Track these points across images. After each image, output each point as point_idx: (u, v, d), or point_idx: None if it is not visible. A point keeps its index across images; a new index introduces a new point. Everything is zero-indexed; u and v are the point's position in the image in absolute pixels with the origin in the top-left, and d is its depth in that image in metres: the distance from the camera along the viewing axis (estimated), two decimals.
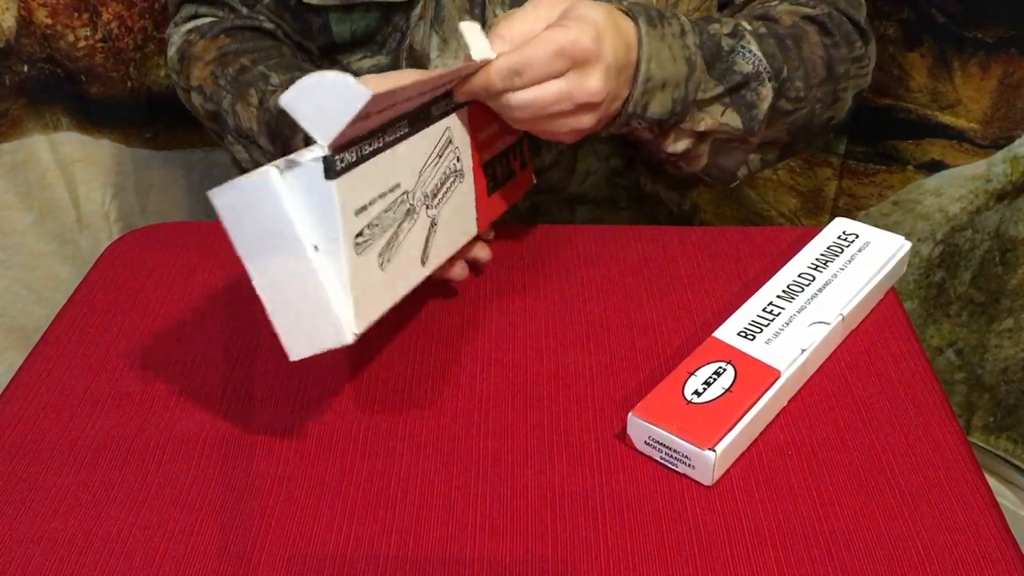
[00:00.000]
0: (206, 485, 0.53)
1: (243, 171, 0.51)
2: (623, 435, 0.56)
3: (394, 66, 0.81)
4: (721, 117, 0.69)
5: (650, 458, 0.55)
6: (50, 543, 0.50)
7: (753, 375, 0.56)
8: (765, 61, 0.69)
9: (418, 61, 0.80)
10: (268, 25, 0.85)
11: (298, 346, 0.50)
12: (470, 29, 0.57)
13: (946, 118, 0.91)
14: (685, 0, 0.78)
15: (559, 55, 0.56)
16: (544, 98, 0.58)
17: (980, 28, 0.86)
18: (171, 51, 0.87)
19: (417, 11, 0.78)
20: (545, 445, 0.56)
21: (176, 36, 0.87)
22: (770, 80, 0.70)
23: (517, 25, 0.58)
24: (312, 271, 0.48)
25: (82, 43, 0.98)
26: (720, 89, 0.68)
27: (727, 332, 0.60)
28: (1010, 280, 0.91)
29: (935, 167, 0.94)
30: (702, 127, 0.69)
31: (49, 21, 0.96)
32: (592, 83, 0.58)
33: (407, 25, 0.79)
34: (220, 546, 0.50)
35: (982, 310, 0.94)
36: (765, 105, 0.70)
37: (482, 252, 0.68)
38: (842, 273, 0.64)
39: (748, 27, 0.71)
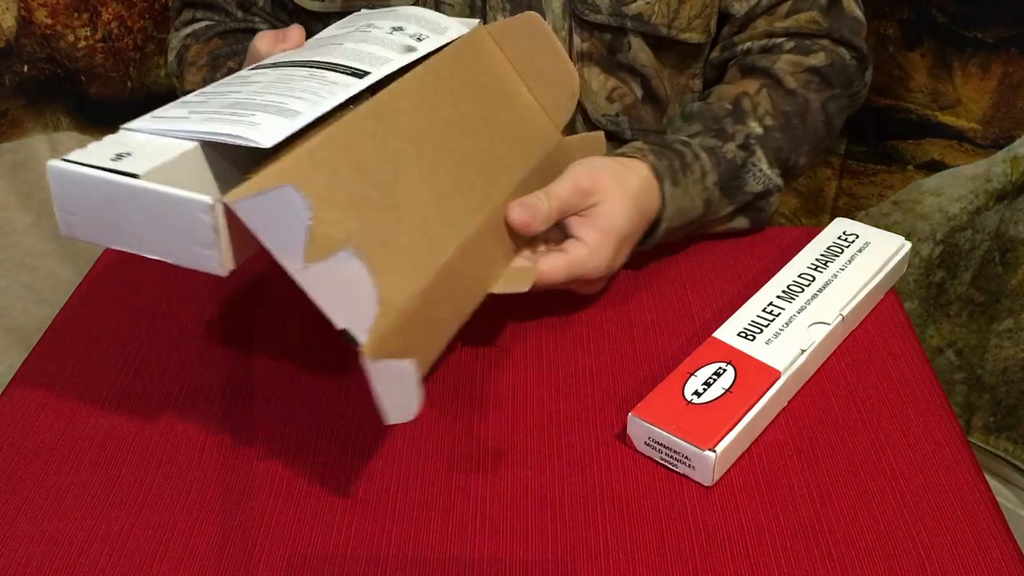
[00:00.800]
0: (206, 485, 0.53)
1: None
2: (623, 435, 0.56)
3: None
4: (732, 223, 0.75)
5: (650, 458, 0.55)
6: (50, 543, 0.50)
7: (753, 375, 0.56)
8: (773, 177, 0.74)
9: None
10: (263, 27, 0.85)
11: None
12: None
13: (946, 118, 0.91)
14: (687, 6, 0.78)
15: (570, 275, 0.62)
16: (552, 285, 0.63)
17: (980, 28, 0.86)
18: (171, 56, 0.87)
19: None
20: (545, 445, 0.56)
21: (175, 41, 0.87)
22: (777, 191, 0.75)
23: (552, 201, 0.62)
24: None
25: (82, 43, 0.98)
26: (732, 208, 0.73)
27: (727, 332, 0.60)
28: (1010, 280, 0.91)
29: (935, 167, 0.94)
30: (712, 231, 0.75)
31: (49, 21, 0.96)
32: (596, 287, 0.67)
33: None
34: (220, 546, 0.50)
35: (982, 310, 0.94)
36: (773, 209, 0.76)
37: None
38: (842, 273, 0.64)
39: (757, 131, 0.74)
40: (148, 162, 0.48)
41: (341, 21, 0.68)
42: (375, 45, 0.61)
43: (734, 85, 0.78)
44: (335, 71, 0.57)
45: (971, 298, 0.95)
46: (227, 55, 0.82)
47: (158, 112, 0.54)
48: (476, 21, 0.67)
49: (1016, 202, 0.88)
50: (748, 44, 0.80)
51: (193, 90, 0.82)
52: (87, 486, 0.54)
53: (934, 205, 0.94)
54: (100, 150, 0.49)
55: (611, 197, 0.63)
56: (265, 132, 0.49)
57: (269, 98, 0.53)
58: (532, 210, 0.60)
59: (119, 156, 0.49)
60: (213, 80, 0.80)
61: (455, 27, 0.66)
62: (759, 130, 0.74)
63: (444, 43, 0.63)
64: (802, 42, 0.79)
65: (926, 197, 0.98)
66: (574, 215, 0.63)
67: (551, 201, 0.61)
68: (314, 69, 0.58)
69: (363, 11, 0.70)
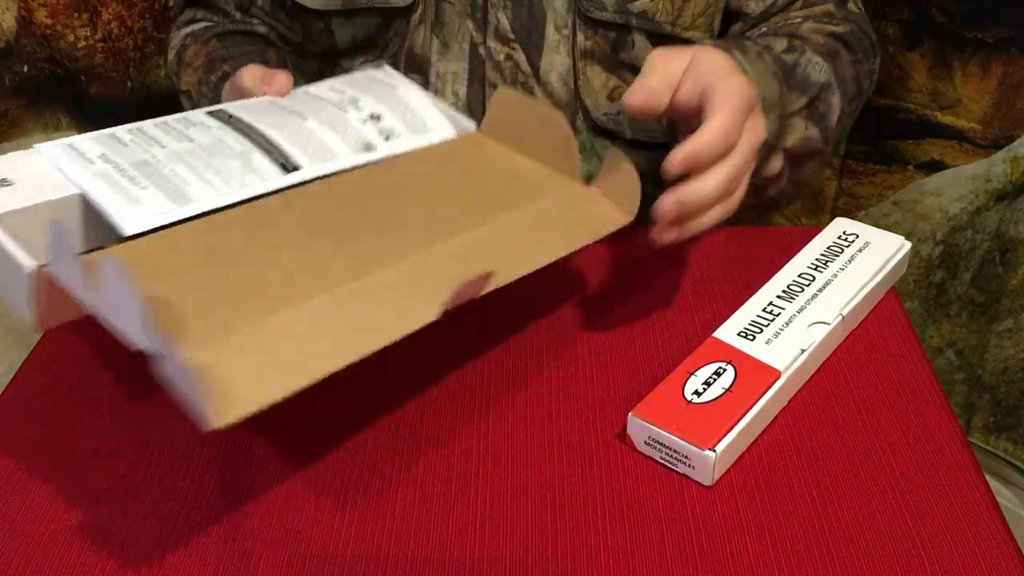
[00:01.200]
0: (206, 485, 0.53)
1: None
2: (623, 435, 0.56)
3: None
4: (805, 130, 0.71)
5: (650, 458, 0.55)
6: (50, 543, 0.50)
7: (753, 375, 0.56)
8: (828, 69, 0.71)
9: (418, 65, 0.80)
10: (261, 29, 0.86)
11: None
12: None
13: (946, 118, 0.91)
14: (691, 5, 0.78)
15: (728, 135, 0.55)
16: (738, 164, 0.57)
17: (980, 28, 0.86)
18: (170, 55, 0.88)
19: (416, 15, 0.78)
20: (545, 445, 0.56)
21: (175, 40, 0.88)
22: (837, 88, 0.71)
23: (664, 65, 0.58)
24: None
25: (82, 43, 0.98)
26: (804, 100, 0.70)
27: (727, 332, 0.60)
28: (1010, 280, 0.91)
29: (935, 167, 0.94)
30: (790, 142, 0.70)
31: (49, 21, 0.96)
32: (760, 127, 0.59)
33: (407, 29, 0.79)
34: (220, 546, 0.50)
35: (982, 310, 0.94)
36: (835, 115, 0.72)
37: None
38: (842, 273, 0.65)
39: (798, 41, 0.72)
40: (16, 200, 0.49)
41: (348, 77, 0.68)
42: (335, 133, 0.60)
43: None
44: (269, 155, 0.56)
45: (971, 298, 0.95)
46: (223, 57, 0.82)
47: (79, 141, 0.54)
48: (470, 125, 0.66)
49: (1016, 202, 0.88)
50: (763, 29, 0.80)
51: (189, 91, 0.83)
52: (86, 486, 0.54)
53: (934, 205, 0.94)
54: None
55: (719, 69, 0.58)
56: (136, 216, 0.49)
57: (178, 170, 0.53)
58: (645, 88, 0.56)
59: None
60: (207, 82, 0.81)
61: (440, 130, 0.65)
62: (799, 41, 0.71)
63: (412, 147, 0.62)
64: (820, 19, 0.79)
65: (926, 197, 0.98)
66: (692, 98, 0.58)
67: (650, 77, 0.57)
68: (252, 144, 0.57)
69: (373, 72, 0.68)
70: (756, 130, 0.59)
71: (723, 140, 0.55)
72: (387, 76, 0.68)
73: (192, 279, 0.48)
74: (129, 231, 0.49)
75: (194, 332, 0.43)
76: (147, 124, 0.58)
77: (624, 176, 0.59)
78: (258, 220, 0.53)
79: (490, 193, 0.59)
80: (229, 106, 0.62)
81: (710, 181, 0.56)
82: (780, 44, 0.72)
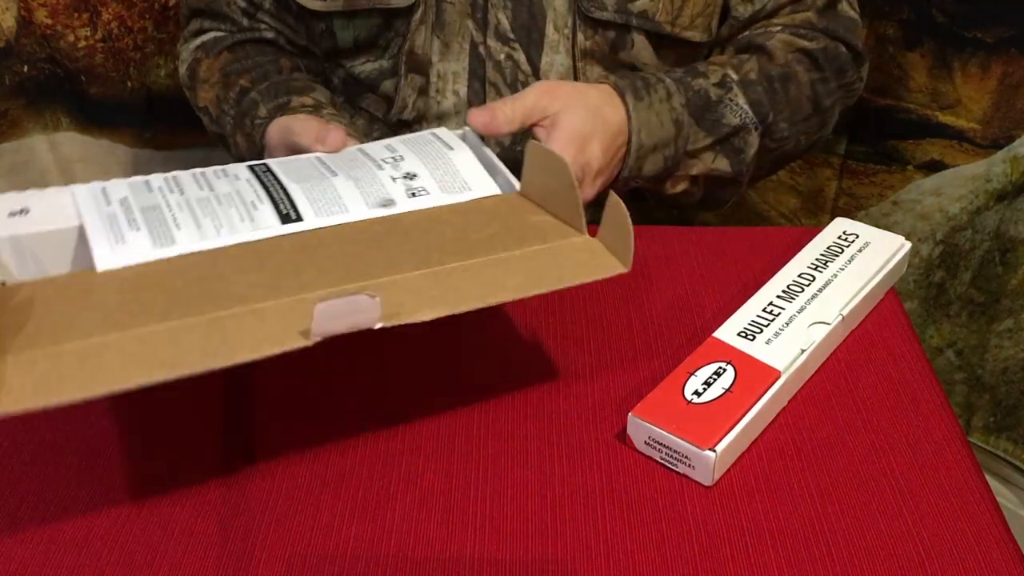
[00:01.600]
0: (206, 485, 0.53)
1: None
2: (623, 435, 0.56)
3: (395, 70, 0.81)
4: (712, 163, 0.77)
5: (650, 458, 0.55)
6: (50, 543, 0.50)
7: (753, 375, 0.56)
8: (751, 112, 0.76)
9: (419, 65, 0.80)
10: (269, 34, 0.86)
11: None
12: None
13: (946, 118, 0.91)
14: (690, 5, 0.78)
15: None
16: None
17: (980, 28, 0.86)
18: (182, 68, 0.87)
19: (417, 16, 0.78)
20: (545, 445, 0.56)
21: (185, 53, 0.87)
22: (756, 129, 0.76)
23: (516, 105, 0.66)
24: None
25: (82, 43, 0.98)
26: (710, 140, 0.75)
27: (727, 332, 0.60)
28: (1010, 280, 0.91)
29: (935, 167, 0.94)
30: (694, 171, 0.77)
31: (49, 21, 0.96)
32: (586, 192, 0.68)
33: (408, 30, 0.79)
34: (220, 546, 0.50)
35: (982, 310, 0.94)
36: (752, 151, 0.77)
37: None
38: (842, 273, 0.65)
39: (735, 76, 0.77)
40: (23, 226, 0.55)
41: (410, 136, 0.65)
42: (357, 189, 0.59)
43: (724, 56, 0.81)
44: (276, 206, 0.57)
45: (971, 298, 0.95)
46: (238, 72, 0.82)
47: (112, 184, 0.58)
48: (515, 185, 0.61)
49: (1016, 202, 0.88)
50: (745, 34, 0.83)
51: (208, 107, 0.83)
52: (87, 485, 0.54)
53: (934, 205, 0.94)
54: (12, 200, 0.56)
55: (572, 104, 0.67)
56: (115, 254, 0.52)
57: (179, 216, 0.55)
58: (492, 111, 0.63)
59: (16, 212, 0.56)
60: (226, 99, 0.81)
61: (481, 190, 0.61)
62: (736, 76, 0.76)
63: (443, 204, 0.59)
64: (797, 30, 0.81)
65: (926, 197, 0.98)
66: (539, 127, 0.67)
67: (513, 103, 0.64)
68: (265, 195, 0.57)
69: (438, 132, 0.66)
70: (589, 178, 0.68)
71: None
72: (448, 138, 0.65)
73: (88, 302, 0.50)
74: (100, 266, 0.51)
75: (17, 341, 0.47)
76: (185, 173, 0.59)
77: (621, 228, 0.55)
78: (220, 257, 0.54)
79: (470, 242, 0.56)
80: (272, 162, 0.62)
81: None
82: (715, 78, 0.76)
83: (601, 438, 0.56)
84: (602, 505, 0.52)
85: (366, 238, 0.56)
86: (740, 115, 0.75)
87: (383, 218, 0.58)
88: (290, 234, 0.55)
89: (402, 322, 0.48)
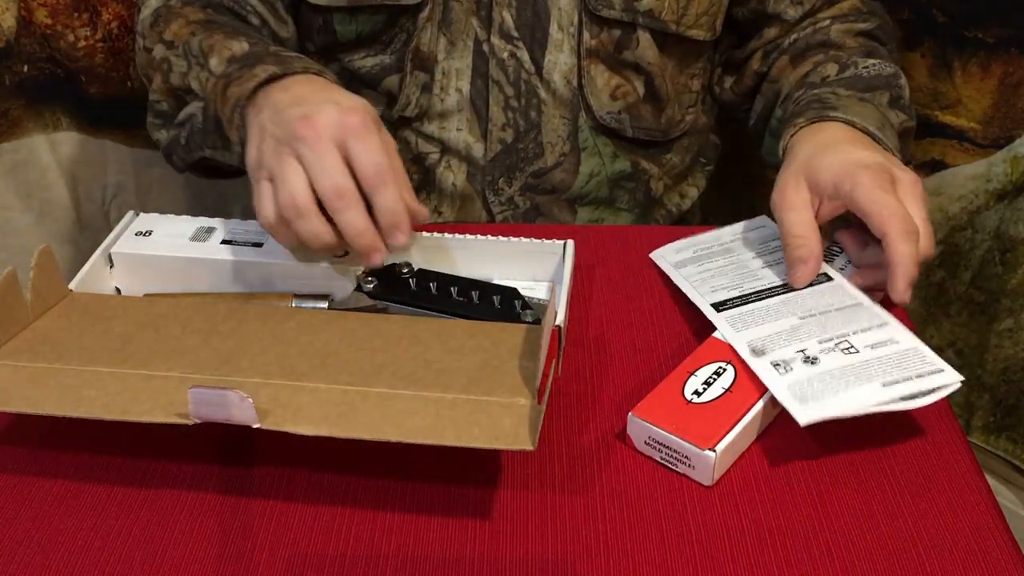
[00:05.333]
0: (206, 485, 0.53)
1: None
2: (623, 435, 0.56)
3: (399, 66, 0.80)
4: (897, 118, 0.74)
5: (650, 458, 0.55)
6: (50, 543, 0.50)
7: (753, 375, 0.56)
8: (881, 65, 0.77)
9: (424, 62, 0.80)
10: (254, 20, 0.81)
11: None
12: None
13: (946, 118, 0.91)
14: (695, 4, 0.78)
15: (908, 234, 0.59)
16: (927, 234, 0.61)
17: (980, 28, 0.86)
18: (144, 12, 0.79)
19: (425, 13, 0.78)
20: (545, 445, 0.56)
21: (153, 1, 0.79)
22: (897, 80, 0.77)
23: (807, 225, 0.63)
24: None
25: (82, 43, 0.98)
26: (887, 96, 0.74)
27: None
28: (1010, 280, 0.91)
29: (935, 167, 0.93)
30: (900, 130, 0.74)
31: (49, 21, 0.96)
32: (905, 180, 0.62)
33: (414, 27, 0.79)
34: (220, 546, 0.50)
35: (982, 310, 0.94)
36: (907, 93, 0.77)
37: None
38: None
39: (838, 44, 0.80)
40: (140, 247, 0.66)
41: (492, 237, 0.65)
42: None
43: (794, 71, 0.82)
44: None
45: (971, 298, 0.95)
46: (220, 24, 0.74)
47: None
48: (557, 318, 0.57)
49: (1016, 202, 0.88)
50: (796, 35, 0.83)
51: (170, 39, 0.74)
52: (87, 486, 0.54)
53: (934, 205, 0.93)
54: (141, 222, 0.69)
55: (830, 168, 0.63)
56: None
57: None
58: (804, 260, 0.62)
59: (140, 233, 0.68)
60: (200, 32, 0.72)
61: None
62: (836, 68, 0.78)
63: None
64: (847, 18, 0.83)
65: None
66: (842, 206, 0.63)
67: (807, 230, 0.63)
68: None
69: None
70: (910, 191, 0.62)
71: (910, 244, 0.58)
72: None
73: (95, 329, 0.59)
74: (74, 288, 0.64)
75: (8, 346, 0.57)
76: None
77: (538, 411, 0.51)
78: (231, 308, 0.61)
79: (424, 368, 0.55)
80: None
81: (916, 253, 0.59)
82: (832, 69, 0.76)
83: (601, 438, 0.56)
84: (602, 505, 0.52)
85: (370, 344, 0.58)
86: (877, 67, 0.76)
87: (413, 322, 0.59)
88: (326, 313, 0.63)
89: (283, 430, 0.49)
